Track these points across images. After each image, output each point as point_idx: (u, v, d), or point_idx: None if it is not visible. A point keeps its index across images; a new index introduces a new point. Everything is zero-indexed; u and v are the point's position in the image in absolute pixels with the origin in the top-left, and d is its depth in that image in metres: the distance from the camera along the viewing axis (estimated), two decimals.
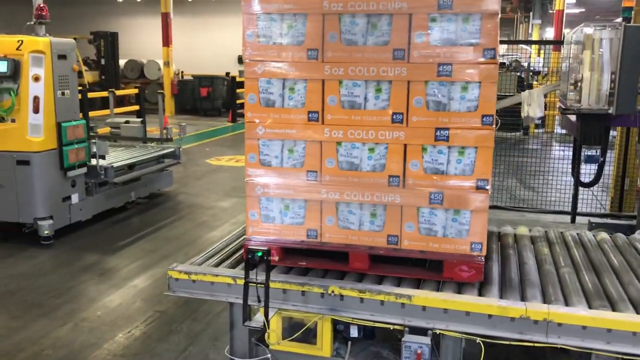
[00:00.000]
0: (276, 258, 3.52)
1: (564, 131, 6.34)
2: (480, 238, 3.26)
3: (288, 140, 3.43)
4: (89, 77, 18.97)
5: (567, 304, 3.08)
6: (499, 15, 3.13)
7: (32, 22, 7.01)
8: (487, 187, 3.22)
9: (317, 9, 3.28)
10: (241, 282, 3.32)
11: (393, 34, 3.20)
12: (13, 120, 6.73)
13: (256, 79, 3.43)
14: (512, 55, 19.53)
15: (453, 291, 3.22)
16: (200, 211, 8.53)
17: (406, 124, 3.25)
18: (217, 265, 3.72)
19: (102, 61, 19.89)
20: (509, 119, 7.48)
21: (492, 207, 6.48)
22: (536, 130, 12.75)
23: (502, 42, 10.81)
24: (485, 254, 3.30)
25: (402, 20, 3.18)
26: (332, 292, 3.26)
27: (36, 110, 6.68)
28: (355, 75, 3.28)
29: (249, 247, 3.32)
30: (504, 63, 17.96)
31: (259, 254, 3.22)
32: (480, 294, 3.21)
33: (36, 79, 6.66)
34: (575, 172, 5.38)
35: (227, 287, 3.49)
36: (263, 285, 3.24)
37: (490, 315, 3.02)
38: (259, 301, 3.24)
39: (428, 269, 3.43)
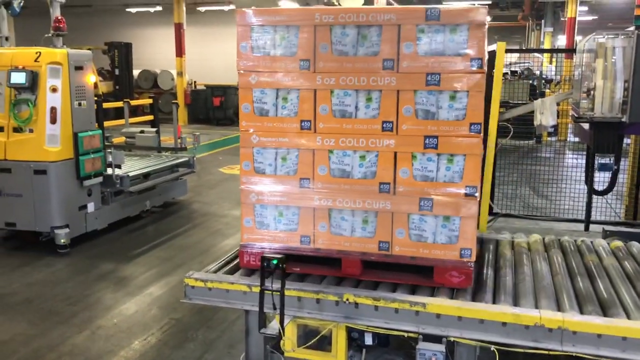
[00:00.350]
0: None
1: (577, 139, 6.34)
2: (470, 244, 3.30)
3: (281, 148, 3.52)
4: (103, 87, 19.20)
5: (581, 311, 3.09)
6: (487, 26, 3.20)
7: (50, 34, 7.14)
8: (476, 194, 3.27)
9: (309, 20, 3.37)
10: (256, 289, 3.36)
11: (382, 45, 3.28)
12: (31, 131, 6.84)
13: (250, 89, 3.53)
14: (524, 63, 19.49)
15: (466, 299, 3.24)
16: (214, 219, 8.59)
17: (396, 132, 3.32)
18: (232, 273, 3.76)
19: (116, 71, 20.13)
20: (522, 127, 7.46)
21: (505, 215, 6.47)
22: (549, 139, 12.71)
23: (513, 50, 10.78)
24: (474, 260, 3.34)
25: (391, 31, 3.26)
26: (347, 299, 3.28)
27: (53, 120, 6.79)
28: (346, 84, 3.36)
29: (264, 254, 3.36)
30: (516, 71, 17.92)
31: (275, 261, 3.25)
32: (494, 302, 3.22)
33: (53, 90, 6.77)
34: (589, 180, 5.37)
35: (243, 294, 3.52)
36: (278, 293, 3.27)
37: (504, 323, 3.03)
38: (275, 308, 3.28)
39: (420, 275, 3.45)
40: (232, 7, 22.59)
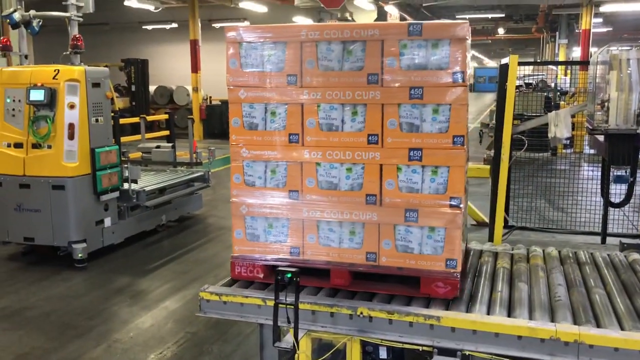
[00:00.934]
0: (261, 275, 3.69)
1: (593, 151, 6.31)
2: (455, 255, 3.34)
3: (270, 161, 3.61)
4: (119, 103, 19.40)
5: (598, 325, 3.06)
6: (468, 41, 3.27)
7: (68, 52, 7.27)
8: (461, 205, 3.32)
9: (296, 37, 3.47)
10: (271, 303, 3.37)
11: (367, 60, 3.36)
12: (49, 147, 6.94)
13: (240, 104, 3.63)
14: (538, 75, 19.40)
15: (481, 312, 3.23)
16: (229, 233, 8.57)
17: (381, 144, 3.39)
18: (247, 286, 3.78)
19: (133, 87, 20.36)
20: (537, 139, 7.44)
21: (520, 228, 6.43)
22: (565, 151, 12.61)
23: (526, 63, 10.76)
24: (460, 270, 3.36)
25: (375, 46, 3.34)
26: (361, 313, 3.29)
27: (71, 136, 6.89)
28: (332, 99, 3.45)
29: (278, 268, 3.38)
30: (531, 83, 17.86)
31: (289, 275, 3.27)
32: (509, 315, 3.21)
33: (71, 106, 6.88)
34: (605, 192, 5.33)
35: (257, 308, 3.54)
36: (292, 307, 3.29)
37: (519, 337, 3.01)
38: (289, 322, 3.29)
39: (407, 285, 3.49)
40: (246, 23, 22.85)
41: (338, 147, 3.47)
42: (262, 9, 20.01)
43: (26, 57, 7.79)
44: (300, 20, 21.26)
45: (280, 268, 3.35)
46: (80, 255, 6.97)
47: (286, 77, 3.51)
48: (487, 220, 5.75)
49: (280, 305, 3.30)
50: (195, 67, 20.96)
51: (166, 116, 11.03)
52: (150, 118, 13.07)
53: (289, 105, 3.53)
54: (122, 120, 9.32)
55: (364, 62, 3.36)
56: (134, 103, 20.19)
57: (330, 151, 3.48)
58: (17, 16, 7.19)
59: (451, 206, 3.32)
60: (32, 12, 7.31)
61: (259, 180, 3.65)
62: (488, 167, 5.99)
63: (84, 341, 5.18)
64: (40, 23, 7.37)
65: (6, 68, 7.48)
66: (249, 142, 3.64)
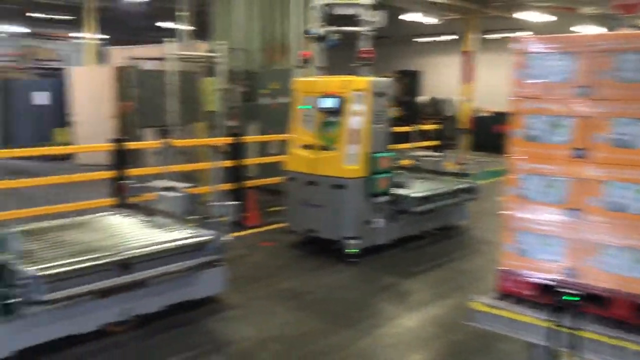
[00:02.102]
0: (527, 292, 3.58)
1: None
2: None
3: (549, 175, 3.48)
4: (393, 112, 20.45)
5: None
6: None
7: (356, 64, 7.96)
8: None
9: (587, 47, 3.31)
10: (548, 324, 3.29)
11: None
12: (334, 150, 7.67)
13: (521, 115, 3.60)
14: None
15: None
16: (493, 248, 8.46)
17: None
18: (517, 302, 3.73)
19: (405, 98, 21.25)
20: None
21: None
22: None
23: None
24: None
25: None
26: None
27: (354, 141, 7.52)
28: (629, 113, 3.18)
29: (558, 289, 3.28)
30: None
31: (571, 298, 3.15)
32: None
33: (357, 114, 7.51)
34: None
35: (531, 326, 3.48)
36: (571, 331, 3.16)
37: None
38: (570, 347, 3.16)
39: None
40: (518, 33, 22.05)
41: (631, 166, 3.22)
42: (540, 18, 19.14)
43: (323, 68, 8.71)
44: (582, 29, 19.80)
45: (560, 289, 3.26)
46: (353, 250, 7.55)
47: (574, 88, 3.40)
48: None
49: (557, 328, 3.20)
50: (467, 78, 20.98)
51: (437, 126, 11.31)
52: (422, 127, 13.50)
53: (575, 119, 3.41)
54: (395, 129, 9.84)
55: None
56: (405, 112, 21.05)
57: (621, 170, 3.25)
58: (320, 31, 8.11)
59: None
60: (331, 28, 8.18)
61: (534, 194, 3.60)
62: None
63: (354, 331, 5.61)
64: (337, 37, 8.19)
65: (304, 78, 8.47)
66: (527, 154, 3.63)
